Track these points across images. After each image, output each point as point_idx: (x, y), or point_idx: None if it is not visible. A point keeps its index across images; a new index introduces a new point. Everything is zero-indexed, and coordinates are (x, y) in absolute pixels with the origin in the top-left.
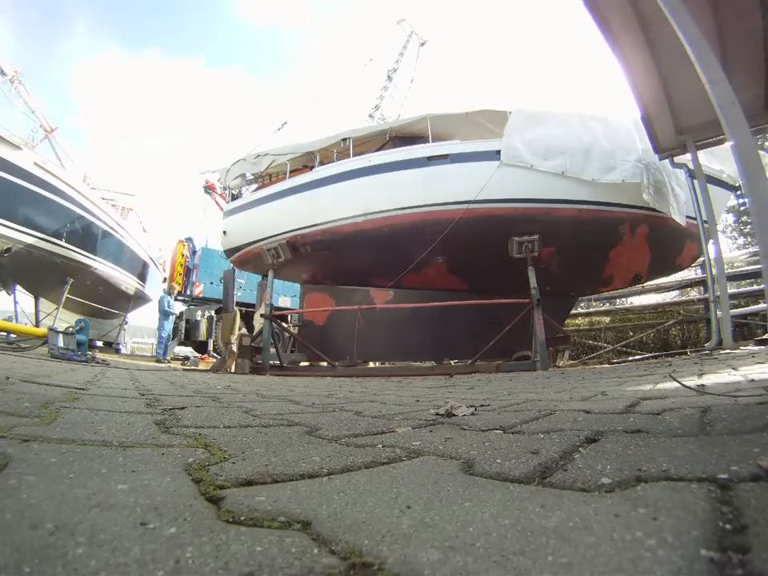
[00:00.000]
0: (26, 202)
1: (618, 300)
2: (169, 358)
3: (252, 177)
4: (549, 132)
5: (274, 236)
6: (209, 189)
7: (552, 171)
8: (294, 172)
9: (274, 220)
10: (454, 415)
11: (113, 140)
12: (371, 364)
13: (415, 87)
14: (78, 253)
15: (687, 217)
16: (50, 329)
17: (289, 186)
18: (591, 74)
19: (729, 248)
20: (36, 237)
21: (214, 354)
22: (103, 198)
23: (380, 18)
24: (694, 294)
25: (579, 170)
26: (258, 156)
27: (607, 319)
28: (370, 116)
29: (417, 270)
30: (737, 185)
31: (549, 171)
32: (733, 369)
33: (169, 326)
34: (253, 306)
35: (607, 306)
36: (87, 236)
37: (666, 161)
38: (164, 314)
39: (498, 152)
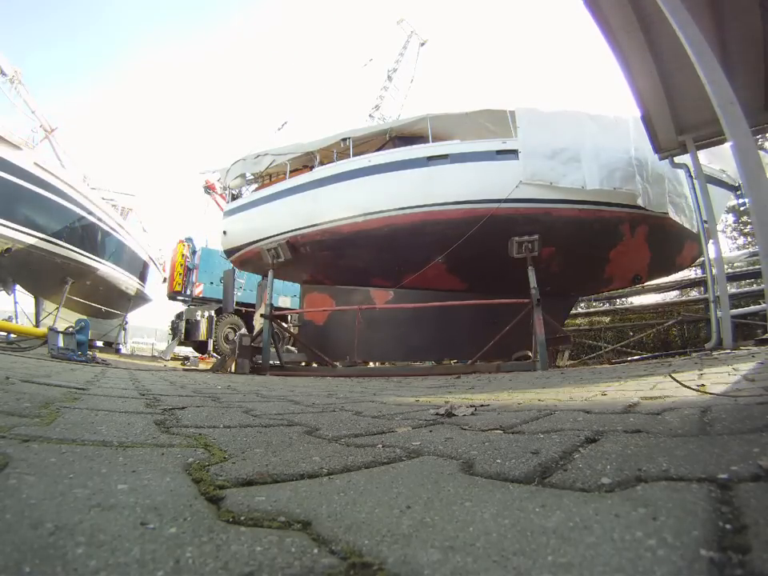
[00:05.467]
0: (27, 202)
1: (617, 300)
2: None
3: (252, 177)
4: (564, 144)
5: (274, 236)
6: (209, 189)
7: (573, 187)
8: (294, 172)
9: (274, 220)
10: (454, 415)
11: (112, 139)
12: (371, 364)
13: (415, 87)
14: (78, 253)
15: None
16: (50, 329)
17: (289, 186)
18: (591, 74)
19: (729, 248)
20: (36, 237)
21: (214, 354)
22: (103, 198)
23: (380, 18)
24: (694, 294)
25: (598, 183)
26: (257, 156)
27: (607, 319)
28: (370, 116)
29: (417, 269)
30: (737, 185)
31: (569, 187)
32: (733, 369)
33: None
34: (253, 305)
35: (607, 306)
36: (87, 236)
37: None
38: None
39: (498, 152)
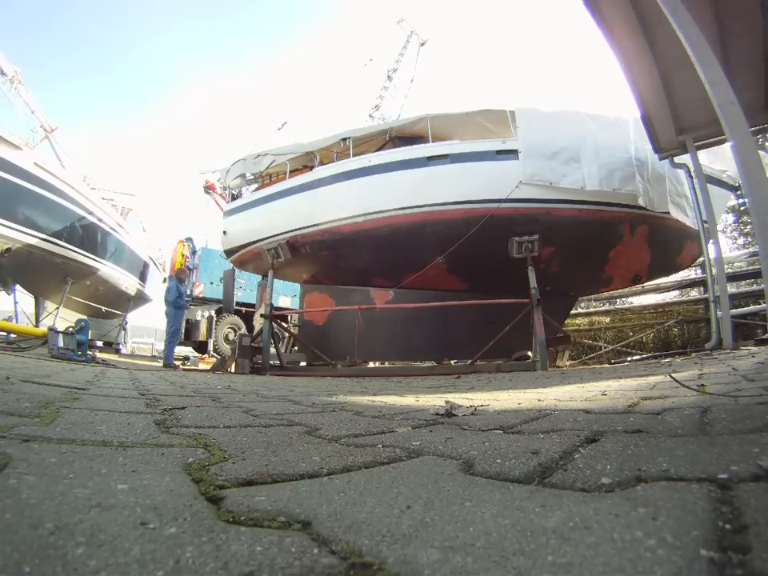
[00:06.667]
0: (26, 202)
1: (618, 300)
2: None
3: (252, 177)
4: (564, 143)
5: (274, 236)
6: (209, 189)
7: (572, 187)
8: (294, 172)
9: (274, 220)
10: (454, 415)
11: (112, 140)
12: (371, 364)
13: (415, 87)
14: (78, 253)
15: None
16: (50, 329)
17: (289, 186)
18: (591, 73)
19: (729, 248)
20: (36, 237)
21: (214, 354)
22: (103, 198)
23: (380, 18)
24: (694, 294)
25: (598, 183)
26: (258, 156)
27: (607, 319)
28: (370, 116)
29: (417, 269)
30: (737, 185)
31: (569, 187)
32: (733, 369)
33: (178, 320)
34: (253, 305)
35: (607, 306)
36: (87, 236)
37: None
38: (173, 305)
39: (498, 152)
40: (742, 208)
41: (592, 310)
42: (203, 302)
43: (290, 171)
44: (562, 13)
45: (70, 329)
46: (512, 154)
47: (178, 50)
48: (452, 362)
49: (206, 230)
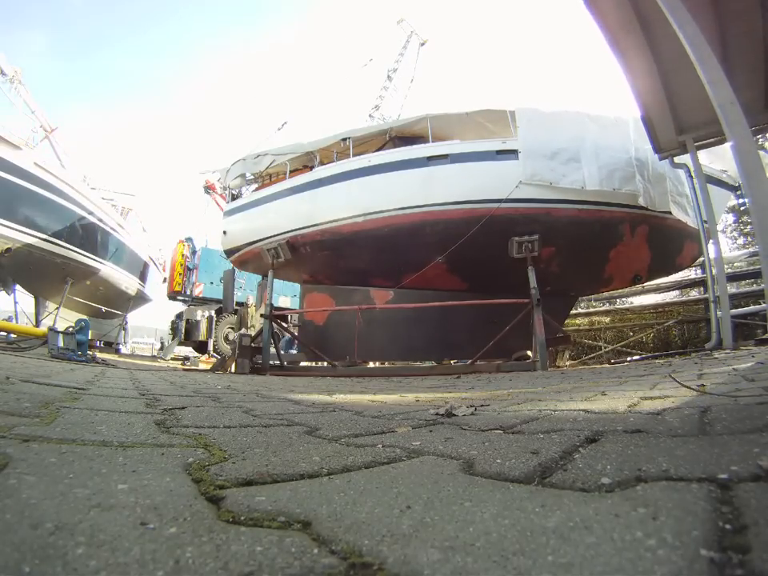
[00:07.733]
0: (26, 202)
1: (618, 300)
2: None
3: (252, 177)
4: (564, 144)
5: (274, 236)
6: (209, 189)
7: (572, 187)
8: (294, 172)
9: (274, 220)
10: (454, 415)
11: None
12: (371, 364)
13: (415, 87)
14: (79, 253)
15: None
16: (50, 329)
17: (289, 186)
18: (591, 74)
19: (729, 248)
20: (36, 237)
21: (214, 354)
22: (103, 198)
23: (380, 18)
24: (694, 294)
25: (598, 183)
26: (258, 156)
27: (607, 319)
28: (370, 116)
29: (417, 269)
30: (737, 185)
31: (569, 187)
32: (733, 369)
33: None
34: None
35: (607, 306)
36: (87, 236)
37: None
38: None
39: (498, 152)
40: (741, 208)
41: (592, 310)
42: (203, 301)
43: (290, 171)
44: (562, 13)
45: (70, 329)
46: (512, 154)
47: (179, 44)
48: (452, 361)
49: (206, 230)
